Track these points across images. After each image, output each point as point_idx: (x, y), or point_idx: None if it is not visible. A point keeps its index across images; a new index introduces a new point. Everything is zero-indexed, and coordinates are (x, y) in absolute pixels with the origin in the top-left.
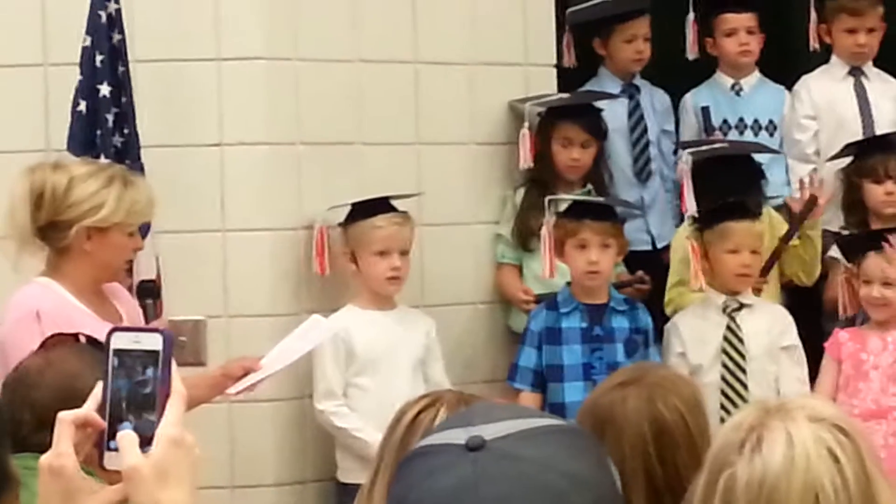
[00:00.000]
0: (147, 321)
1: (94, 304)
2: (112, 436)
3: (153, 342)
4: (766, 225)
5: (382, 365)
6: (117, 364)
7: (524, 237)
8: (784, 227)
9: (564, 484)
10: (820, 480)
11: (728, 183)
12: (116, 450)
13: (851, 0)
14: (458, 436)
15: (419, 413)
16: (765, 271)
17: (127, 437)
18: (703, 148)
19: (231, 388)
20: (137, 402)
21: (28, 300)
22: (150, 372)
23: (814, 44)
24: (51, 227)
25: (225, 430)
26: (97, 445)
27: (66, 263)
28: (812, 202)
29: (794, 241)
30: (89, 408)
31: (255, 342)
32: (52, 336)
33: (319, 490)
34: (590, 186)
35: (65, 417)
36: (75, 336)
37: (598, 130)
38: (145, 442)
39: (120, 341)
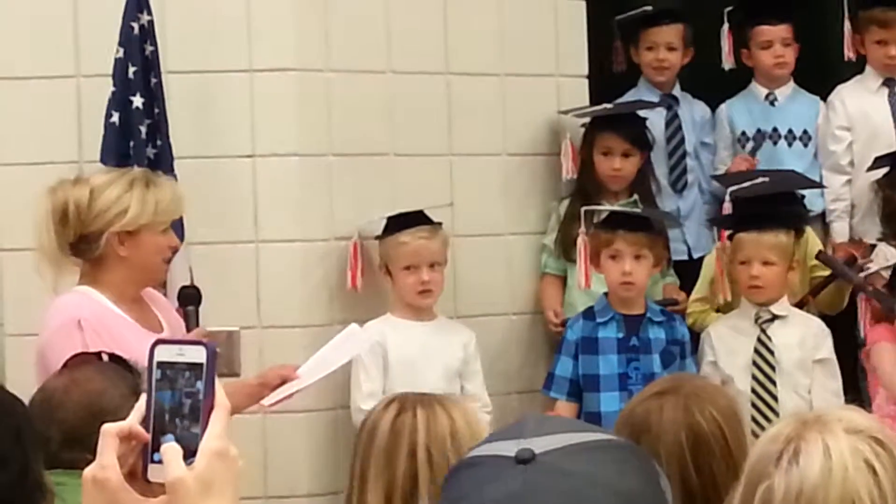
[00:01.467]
0: (189, 328)
1: (135, 312)
2: (156, 448)
3: (197, 355)
4: (804, 243)
5: (416, 375)
6: (161, 376)
7: (567, 248)
8: (819, 247)
9: (612, 501)
10: (857, 492)
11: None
12: (160, 462)
13: (881, 11)
14: (509, 448)
15: (396, 418)
16: (798, 305)
17: (171, 449)
18: (745, 185)
19: (266, 398)
20: (181, 415)
21: (69, 308)
22: (193, 384)
23: (849, 54)
24: (81, 241)
25: (259, 441)
26: (141, 458)
27: (104, 272)
28: (852, 261)
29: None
30: (133, 420)
31: (289, 353)
32: (75, 356)
33: None
34: (635, 196)
35: (109, 430)
36: (98, 354)
37: (640, 140)
38: (189, 454)
39: (164, 354)
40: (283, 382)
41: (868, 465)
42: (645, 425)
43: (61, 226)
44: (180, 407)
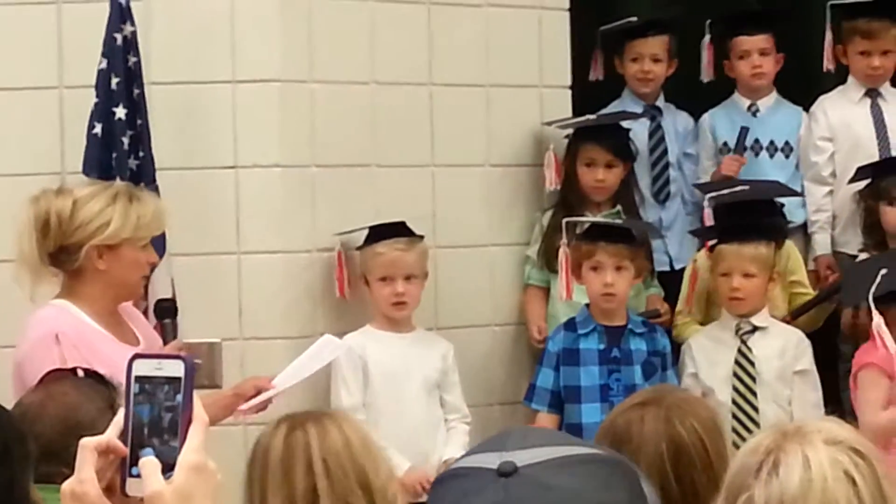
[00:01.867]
0: (166, 341)
1: (111, 326)
2: (134, 462)
3: (175, 369)
4: (785, 257)
5: (395, 386)
6: (139, 391)
7: (550, 259)
8: (800, 262)
9: None
10: (837, 502)
11: (746, 217)
12: (139, 476)
13: (865, 22)
14: (492, 460)
15: (287, 436)
16: (794, 317)
17: (149, 463)
18: (724, 192)
19: (242, 405)
20: (159, 429)
21: (46, 322)
22: (172, 398)
23: (828, 65)
24: (62, 252)
25: (241, 453)
26: (119, 472)
27: (82, 285)
28: (834, 290)
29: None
30: (111, 434)
31: (271, 364)
32: (50, 371)
33: None
34: (619, 207)
35: (87, 444)
36: (73, 370)
37: (623, 151)
38: (167, 468)
39: (142, 368)
40: (259, 393)
41: (847, 476)
42: (626, 436)
43: (42, 235)
44: (159, 421)
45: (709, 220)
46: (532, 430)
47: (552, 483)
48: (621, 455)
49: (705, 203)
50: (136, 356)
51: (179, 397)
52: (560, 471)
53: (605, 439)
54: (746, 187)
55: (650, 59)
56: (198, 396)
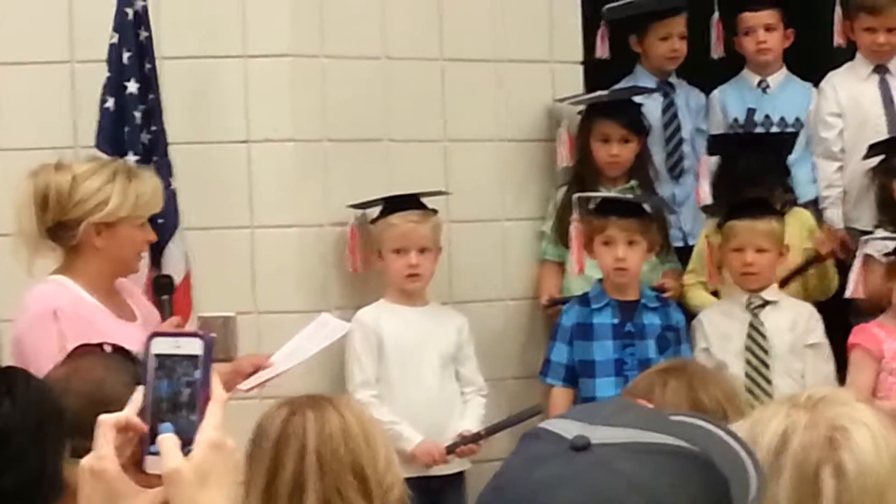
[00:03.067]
0: (163, 318)
1: (109, 302)
2: (153, 439)
3: (194, 347)
4: (797, 223)
5: (410, 360)
6: (158, 368)
7: (564, 234)
8: (812, 225)
9: None
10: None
11: (751, 177)
12: (157, 453)
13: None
14: (574, 430)
15: (284, 426)
16: (782, 284)
17: (168, 440)
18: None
19: (242, 384)
20: (178, 404)
21: (44, 298)
22: (190, 376)
23: (839, 40)
24: (59, 227)
25: (250, 429)
26: (139, 449)
27: (79, 261)
28: (818, 259)
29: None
30: (130, 411)
31: (285, 338)
32: (79, 347)
33: None
34: (633, 182)
35: (106, 420)
36: (100, 345)
37: (637, 125)
38: (186, 443)
39: (160, 346)
40: (257, 370)
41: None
42: (647, 398)
43: (41, 210)
44: (177, 396)
45: (705, 173)
46: (633, 406)
47: (620, 467)
48: (711, 459)
49: (702, 177)
50: (155, 334)
51: (198, 373)
52: (633, 456)
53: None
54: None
55: (678, 37)
56: (216, 374)
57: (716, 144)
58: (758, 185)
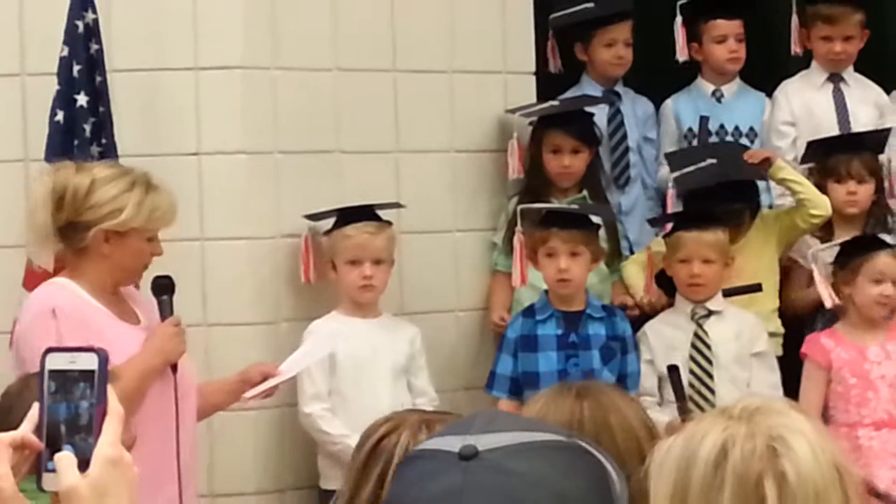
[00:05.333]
0: (164, 317)
1: (112, 304)
2: (50, 457)
3: (89, 362)
4: (764, 227)
5: (363, 372)
6: (53, 384)
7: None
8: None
9: (551, 502)
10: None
11: (718, 190)
12: (54, 471)
13: (827, 7)
14: (455, 443)
15: (381, 438)
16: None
17: (65, 458)
18: (690, 169)
19: (247, 392)
20: (74, 423)
21: (44, 298)
22: (86, 391)
23: (796, 49)
24: (70, 228)
25: (204, 438)
26: (35, 467)
27: (84, 264)
28: (753, 289)
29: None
30: (26, 429)
31: (234, 351)
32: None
33: (301, 498)
34: (585, 192)
35: (1, 439)
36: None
37: (588, 136)
38: (84, 462)
39: (55, 362)
40: (265, 379)
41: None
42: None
43: (56, 208)
44: (73, 415)
45: (672, 204)
46: (500, 414)
47: (512, 468)
48: (592, 443)
49: (669, 186)
50: (50, 350)
51: (94, 391)
52: (521, 456)
53: None
54: (714, 161)
55: (623, 44)
56: (111, 388)
57: (675, 160)
58: (722, 193)
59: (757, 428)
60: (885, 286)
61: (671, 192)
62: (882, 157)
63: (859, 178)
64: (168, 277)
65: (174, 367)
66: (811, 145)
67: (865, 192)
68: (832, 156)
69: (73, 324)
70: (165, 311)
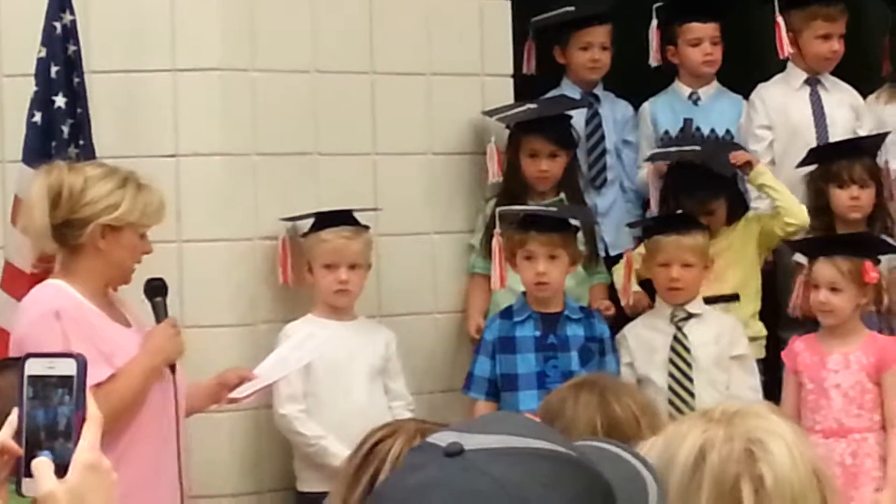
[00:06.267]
0: (158, 319)
1: (104, 307)
2: (29, 462)
3: (67, 367)
4: (748, 230)
5: (338, 375)
6: (32, 390)
7: (492, 248)
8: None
9: None
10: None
11: (700, 186)
12: (33, 476)
13: (824, 6)
14: (449, 439)
15: (376, 444)
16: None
17: (42, 463)
18: (673, 150)
19: (236, 392)
20: (53, 428)
21: (45, 299)
22: (65, 397)
23: (788, 50)
24: (66, 226)
25: (226, 439)
26: (14, 472)
27: (79, 263)
28: (731, 300)
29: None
30: (5, 435)
31: (212, 353)
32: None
33: (278, 500)
34: (562, 195)
35: None
36: (19, 359)
37: (566, 140)
38: (62, 468)
39: (34, 367)
40: (241, 382)
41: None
42: (560, 412)
43: (52, 206)
44: (52, 420)
45: (654, 205)
46: (509, 417)
47: (487, 470)
48: (592, 464)
49: (650, 187)
50: (29, 355)
51: (73, 396)
52: (505, 460)
53: (539, 417)
54: (697, 148)
55: (599, 47)
56: (91, 393)
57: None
58: (699, 193)
59: (735, 431)
60: (820, 292)
61: (650, 168)
62: (879, 161)
63: (861, 183)
64: (160, 279)
65: (173, 368)
66: (812, 151)
67: (868, 196)
68: (832, 161)
69: (76, 325)
70: (161, 312)
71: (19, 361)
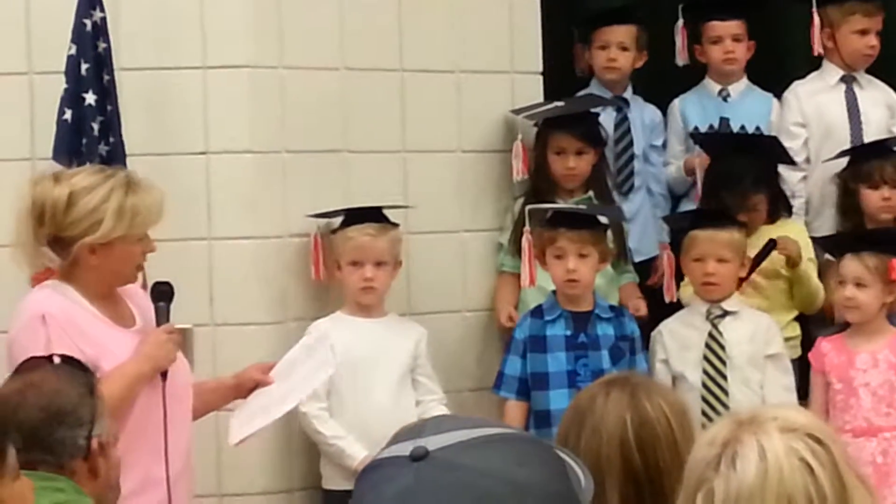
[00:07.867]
0: (159, 324)
1: (108, 308)
2: None
3: None
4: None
5: (362, 373)
6: None
7: (521, 246)
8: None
9: (504, 490)
10: (794, 491)
11: (741, 181)
12: None
13: (862, 2)
14: (406, 448)
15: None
16: (742, 280)
17: None
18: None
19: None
20: None
21: (36, 303)
22: None
23: (819, 49)
24: (55, 242)
25: (212, 438)
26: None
27: (77, 271)
28: (769, 247)
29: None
30: None
31: (242, 350)
32: (27, 360)
33: (306, 498)
34: (591, 193)
35: None
36: (49, 357)
37: (594, 137)
38: None
39: None
40: (257, 387)
41: (804, 464)
42: (590, 409)
43: (38, 223)
44: None
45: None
46: (448, 416)
47: (462, 463)
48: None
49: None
50: None
51: None
52: (470, 451)
53: (570, 413)
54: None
55: (617, 46)
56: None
57: (705, 142)
58: (740, 187)
59: (733, 434)
60: (847, 288)
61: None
62: None
63: (893, 184)
64: (168, 284)
65: (164, 374)
66: (843, 152)
67: None
68: (864, 161)
69: (61, 330)
70: (161, 317)
71: (48, 359)
